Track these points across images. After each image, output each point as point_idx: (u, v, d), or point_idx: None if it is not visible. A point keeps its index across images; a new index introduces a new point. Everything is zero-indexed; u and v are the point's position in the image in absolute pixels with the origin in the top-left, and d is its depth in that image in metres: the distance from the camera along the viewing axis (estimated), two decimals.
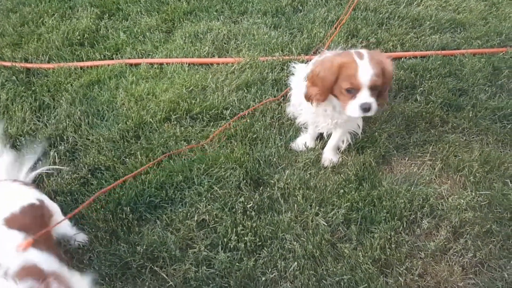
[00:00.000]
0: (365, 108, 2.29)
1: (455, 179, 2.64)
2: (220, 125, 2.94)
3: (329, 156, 2.72)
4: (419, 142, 2.83)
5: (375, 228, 2.34)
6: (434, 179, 2.63)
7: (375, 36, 3.64)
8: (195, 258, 2.27)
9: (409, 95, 3.13)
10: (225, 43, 3.61)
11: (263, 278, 2.16)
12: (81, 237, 2.36)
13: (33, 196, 2.01)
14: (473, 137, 2.89)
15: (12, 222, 1.81)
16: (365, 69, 2.23)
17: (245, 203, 2.48)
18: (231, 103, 3.07)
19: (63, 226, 2.19)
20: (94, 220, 2.41)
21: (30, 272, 1.64)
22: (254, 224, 2.38)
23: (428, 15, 4.00)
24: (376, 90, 2.30)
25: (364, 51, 2.30)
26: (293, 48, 3.49)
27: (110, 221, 2.41)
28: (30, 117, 3.03)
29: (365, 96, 2.27)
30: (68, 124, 2.95)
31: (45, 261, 1.73)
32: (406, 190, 2.53)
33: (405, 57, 3.46)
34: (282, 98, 3.08)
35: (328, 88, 2.34)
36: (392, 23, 3.83)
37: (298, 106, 2.80)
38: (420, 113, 2.99)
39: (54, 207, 2.14)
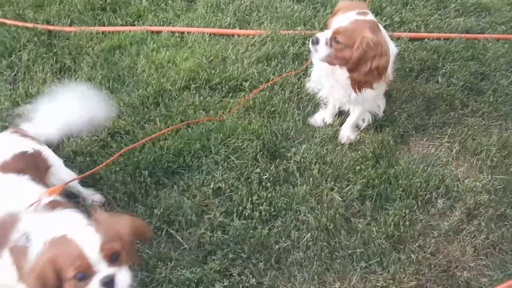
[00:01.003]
0: (313, 40, 2.32)
1: (472, 162, 2.64)
2: (239, 97, 2.95)
3: (346, 133, 2.72)
4: (438, 123, 2.82)
5: (389, 206, 2.37)
6: (451, 161, 2.63)
7: (399, 16, 3.59)
8: (210, 224, 2.31)
9: (430, 76, 3.11)
10: (247, 15, 3.59)
11: (277, 247, 2.20)
12: (97, 198, 2.40)
13: (28, 145, 2.05)
14: (492, 122, 2.88)
15: (5, 167, 1.88)
16: (343, 18, 2.27)
17: (261, 174, 2.51)
18: (251, 75, 3.06)
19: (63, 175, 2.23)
20: (113, 182, 2.45)
21: (54, 204, 1.76)
22: (270, 195, 2.41)
23: None
24: (337, 44, 2.27)
25: (368, 16, 2.30)
26: (316, 23, 3.46)
27: (129, 184, 2.45)
28: (51, 79, 3.06)
29: (323, 34, 2.30)
30: (89, 87, 2.98)
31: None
32: (423, 170, 2.54)
33: (429, 38, 3.41)
34: (303, 72, 3.07)
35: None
36: (417, 3, 3.78)
37: (319, 81, 2.80)
38: (441, 95, 2.97)
39: (53, 160, 2.18)
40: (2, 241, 1.67)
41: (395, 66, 2.72)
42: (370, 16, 2.37)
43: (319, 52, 2.31)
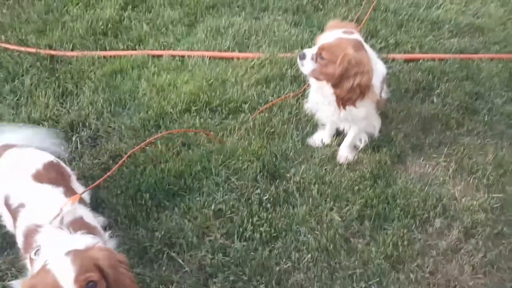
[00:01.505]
0: (300, 55, 2.45)
1: (469, 181, 2.67)
2: (238, 118, 3.01)
3: (344, 153, 2.77)
4: (434, 143, 2.87)
5: (388, 225, 2.40)
6: (448, 180, 2.67)
7: (394, 38, 3.67)
8: (211, 246, 2.34)
9: (426, 96, 3.17)
10: (246, 39, 3.67)
11: (277, 268, 2.23)
12: (100, 221, 2.44)
13: (49, 156, 2.15)
14: (487, 141, 2.92)
15: (40, 177, 1.96)
16: (328, 36, 2.38)
17: (261, 195, 2.55)
18: (250, 97, 3.12)
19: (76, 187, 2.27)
20: (114, 205, 2.49)
21: (80, 224, 1.82)
22: (270, 216, 2.45)
23: (448, 18, 4.02)
24: (322, 60, 2.35)
25: (354, 36, 2.38)
26: (313, 46, 3.53)
27: (130, 207, 2.48)
28: (53, 103, 3.11)
29: (310, 50, 2.38)
30: (91, 111, 3.03)
31: (87, 215, 1.95)
32: (420, 189, 2.57)
33: (424, 59, 3.49)
34: (301, 94, 3.13)
35: None
36: (411, 25, 3.86)
37: (316, 103, 2.85)
38: (437, 114, 3.02)
39: (69, 170, 2.26)
40: (27, 249, 1.79)
41: (386, 86, 2.79)
42: (356, 36, 2.44)
43: (305, 66, 2.42)
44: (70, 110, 3.06)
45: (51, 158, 2.16)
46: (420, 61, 3.48)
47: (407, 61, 3.48)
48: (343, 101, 2.38)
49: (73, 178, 2.27)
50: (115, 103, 3.11)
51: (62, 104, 3.12)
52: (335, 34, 2.35)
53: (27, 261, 1.84)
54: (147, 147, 2.80)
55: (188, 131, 2.88)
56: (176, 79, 3.29)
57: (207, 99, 3.11)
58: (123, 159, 2.60)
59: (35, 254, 1.72)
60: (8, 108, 3.13)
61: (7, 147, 2.19)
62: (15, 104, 3.17)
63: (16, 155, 2.13)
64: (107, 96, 3.14)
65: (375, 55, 2.58)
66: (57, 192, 1.98)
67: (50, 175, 2.03)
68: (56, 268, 1.53)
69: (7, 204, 2.00)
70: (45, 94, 3.17)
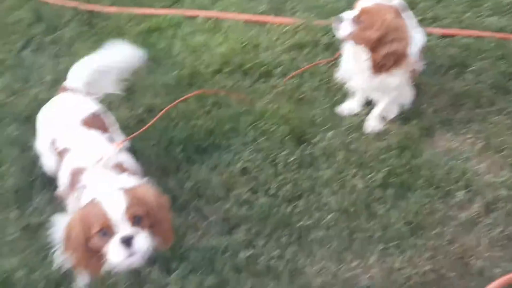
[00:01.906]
0: (337, 18, 2.39)
1: (494, 159, 2.67)
2: (269, 82, 3.06)
3: (372, 123, 2.80)
4: (463, 119, 2.86)
5: (410, 194, 2.44)
6: (474, 157, 2.67)
7: (433, 11, 3.62)
8: (236, 200, 2.44)
9: (459, 73, 3.13)
10: (281, 3, 3.67)
11: (298, 224, 2.32)
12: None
13: (97, 106, 2.31)
14: None
15: (89, 123, 2.12)
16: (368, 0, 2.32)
17: (287, 157, 2.62)
18: (282, 63, 3.16)
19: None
20: (148, 155, 2.61)
21: (122, 168, 1.98)
22: (294, 177, 2.52)
23: None
24: (360, 24, 2.34)
25: (395, 2, 2.37)
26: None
27: (162, 158, 2.61)
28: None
29: (348, 13, 2.37)
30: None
31: (128, 161, 2.12)
32: (445, 163, 2.59)
33: (460, 36, 3.44)
34: (333, 62, 3.15)
35: None
36: (451, 0, 3.78)
37: (348, 71, 2.87)
38: (468, 91, 3.00)
39: (112, 117, 2.40)
40: (72, 187, 1.94)
41: (422, 58, 2.78)
42: (397, 3, 2.43)
43: (343, 30, 2.40)
44: None
45: (99, 107, 2.29)
46: (457, 37, 3.43)
47: (444, 36, 3.43)
48: (378, 67, 2.40)
49: (116, 127, 2.40)
50: (150, 60, 3.19)
51: None
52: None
53: (70, 200, 1.98)
54: (180, 104, 2.89)
55: (222, 92, 2.94)
56: (210, 40, 3.35)
57: (239, 62, 3.17)
58: (160, 113, 2.68)
59: (80, 192, 1.86)
60: (49, 58, 3.26)
61: (63, 89, 2.32)
62: (55, 55, 3.30)
63: (67, 101, 2.26)
64: (143, 53, 3.22)
65: (416, 24, 2.56)
66: (103, 138, 2.11)
67: (98, 122, 2.17)
68: (106, 201, 1.67)
69: (53, 147, 2.13)
70: (84, 47, 3.28)
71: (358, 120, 2.83)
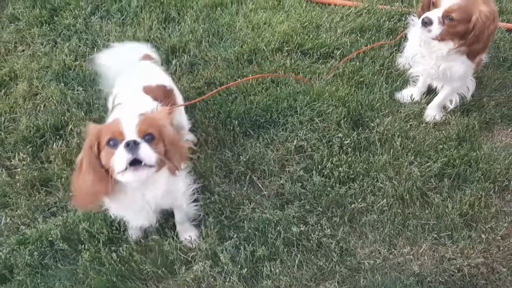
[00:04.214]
0: (424, 21, 2.34)
1: None
2: (328, 63, 3.06)
3: (432, 112, 2.77)
4: None
5: (467, 186, 2.43)
6: None
7: (499, 4, 3.50)
8: (290, 176, 2.49)
9: None
10: None
11: (352, 206, 2.35)
12: (191, 137, 2.66)
13: (168, 81, 2.41)
14: None
15: (149, 90, 2.22)
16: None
17: (343, 139, 2.64)
18: (343, 45, 3.16)
19: (181, 117, 2.50)
20: (206, 127, 2.69)
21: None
22: (349, 159, 2.54)
23: None
24: (451, 21, 2.31)
25: None
26: (414, 1, 3.46)
27: (220, 130, 2.68)
28: (156, 26, 3.32)
29: (434, 13, 2.32)
30: (191, 38, 3.21)
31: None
32: (504, 158, 2.55)
33: None
34: (395, 47, 3.11)
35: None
36: None
37: (412, 58, 2.84)
38: None
39: (179, 98, 2.47)
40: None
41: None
42: None
43: (433, 31, 2.35)
44: (171, 35, 3.26)
45: (168, 84, 2.39)
46: None
47: (509, 30, 3.32)
48: (475, 54, 2.41)
49: (180, 108, 2.47)
50: (213, 34, 3.26)
51: (165, 28, 3.32)
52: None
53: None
54: (239, 79, 2.95)
55: (281, 76, 2.97)
56: (271, 18, 3.37)
57: (299, 41, 3.18)
58: (219, 88, 2.75)
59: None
60: (115, 26, 3.37)
61: (147, 57, 2.45)
62: (121, 23, 3.41)
63: (145, 67, 2.41)
64: (207, 27, 3.29)
65: None
66: (153, 104, 2.18)
67: (157, 93, 2.25)
68: (123, 118, 1.84)
69: (113, 102, 2.28)
70: (150, 17, 3.38)
71: (418, 108, 2.81)
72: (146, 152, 1.73)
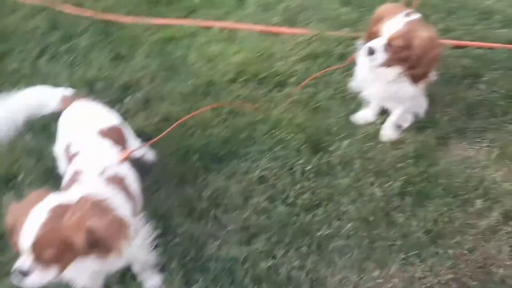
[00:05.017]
0: (369, 50, 2.38)
1: (511, 168, 2.69)
2: (284, 91, 3.08)
3: (388, 132, 2.81)
4: (478, 128, 2.87)
5: (429, 203, 2.44)
6: (490, 165, 2.68)
7: (444, 24, 3.65)
8: (255, 208, 2.44)
9: (472, 83, 3.15)
10: (295, 14, 3.72)
11: (318, 233, 2.32)
12: (150, 155, 2.62)
13: (116, 118, 2.32)
14: None
15: (105, 134, 2.12)
16: (395, 23, 2.35)
17: (304, 166, 2.62)
18: (297, 72, 3.19)
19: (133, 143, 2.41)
20: (165, 164, 2.62)
21: (119, 182, 1.93)
22: (312, 185, 2.53)
23: (498, 9, 3.95)
24: (395, 48, 2.36)
25: (415, 16, 2.40)
26: (362, 26, 3.56)
27: (180, 166, 2.61)
28: (107, 65, 3.26)
29: (377, 42, 2.37)
30: (143, 75, 3.16)
31: (130, 177, 2.04)
32: (462, 171, 2.60)
33: (472, 47, 3.47)
34: (347, 70, 3.17)
35: (371, 30, 2.48)
36: (461, 13, 3.82)
37: (363, 81, 2.90)
38: (482, 101, 3.02)
39: (129, 132, 2.40)
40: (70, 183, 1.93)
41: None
42: (416, 15, 2.46)
43: (378, 59, 2.40)
44: (123, 73, 3.20)
45: (118, 121, 2.31)
46: (469, 48, 3.46)
47: (456, 47, 3.47)
48: (418, 78, 2.46)
49: (130, 139, 2.37)
50: (166, 69, 3.23)
51: (116, 66, 3.26)
52: (401, 20, 2.36)
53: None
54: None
55: (237, 105, 2.95)
56: (225, 50, 3.38)
57: (254, 71, 3.20)
58: (175, 124, 2.67)
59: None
60: (64, 67, 3.29)
61: (73, 98, 2.34)
62: (71, 64, 3.33)
63: (89, 109, 2.30)
64: (159, 62, 3.26)
65: None
66: (113, 149, 2.11)
67: (114, 135, 2.17)
68: (29, 222, 1.58)
69: (67, 151, 2.15)
70: (100, 56, 3.32)
71: (374, 129, 2.85)
72: (35, 281, 1.58)
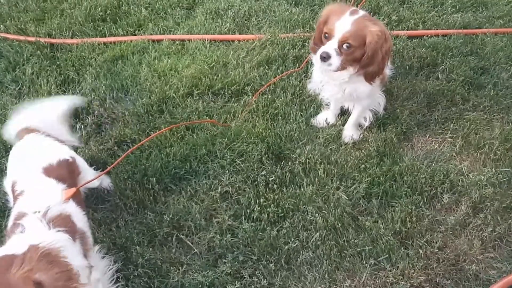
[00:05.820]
0: (323, 56, 2.33)
1: (476, 157, 2.66)
2: (241, 101, 2.99)
3: (349, 132, 2.75)
4: (440, 119, 2.85)
5: (396, 202, 2.39)
6: (455, 156, 2.66)
7: (397, 14, 3.62)
8: (219, 227, 2.35)
9: (430, 73, 3.14)
10: (245, 20, 3.62)
11: (286, 247, 2.23)
12: (106, 183, 2.50)
13: (67, 152, 2.18)
14: (494, 116, 2.90)
15: (50, 171, 1.99)
16: (344, 23, 2.29)
17: (267, 177, 2.54)
18: (253, 79, 3.10)
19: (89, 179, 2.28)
20: (122, 190, 2.49)
21: (64, 222, 1.80)
22: (276, 197, 2.44)
23: None
24: (348, 48, 2.31)
25: (361, 12, 2.35)
26: (314, 25, 3.48)
27: (137, 191, 2.49)
28: (55, 91, 3.10)
29: (329, 46, 2.32)
30: (94, 98, 3.02)
31: (77, 214, 1.92)
32: (427, 166, 2.57)
33: (427, 35, 3.44)
34: (304, 74, 3.10)
35: (319, 33, 2.43)
36: (413, 2, 3.80)
37: (320, 82, 2.83)
38: (442, 91, 3.00)
39: (82, 165, 2.27)
40: (10, 232, 1.82)
41: (390, 63, 2.77)
42: (362, 12, 2.41)
43: (333, 64, 2.34)
44: None
45: (69, 155, 2.16)
46: (424, 37, 3.44)
47: (411, 37, 3.44)
48: (373, 76, 2.40)
49: (84, 172, 2.25)
50: (117, 89, 3.09)
51: (65, 91, 3.11)
52: (348, 19, 2.29)
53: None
54: (151, 132, 2.79)
55: (195, 122, 2.84)
56: (177, 63, 3.26)
57: (209, 83, 3.09)
58: (128, 151, 2.53)
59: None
60: (10, 98, 3.11)
61: (28, 130, 2.19)
62: (18, 94, 3.16)
63: (36, 143, 2.15)
64: (109, 83, 3.12)
65: None
66: (58, 188, 1.97)
67: (60, 172, 2.04)
68: None
69: (13, 189, 2.02)
70: (47, 82, 3.15)
71: (335, 130, 2.78)
72: None
